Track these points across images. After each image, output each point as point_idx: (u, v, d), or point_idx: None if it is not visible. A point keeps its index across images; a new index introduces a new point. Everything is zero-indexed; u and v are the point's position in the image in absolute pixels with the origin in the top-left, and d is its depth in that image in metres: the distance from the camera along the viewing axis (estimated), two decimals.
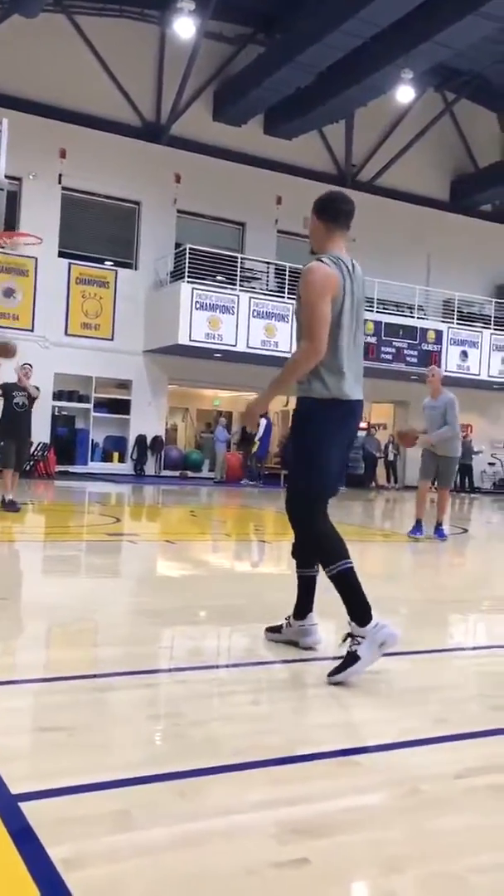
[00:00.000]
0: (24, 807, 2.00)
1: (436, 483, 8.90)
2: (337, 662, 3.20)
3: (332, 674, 3.15)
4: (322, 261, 3.37)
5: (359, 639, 3.15)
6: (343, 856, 1.88)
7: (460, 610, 5.30)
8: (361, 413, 3.58)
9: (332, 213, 3.48)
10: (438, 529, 8.74)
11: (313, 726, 2.80)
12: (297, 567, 3.69)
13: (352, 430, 3.54)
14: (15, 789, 2.09)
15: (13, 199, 18.00)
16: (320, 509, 3.43)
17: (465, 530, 11.41)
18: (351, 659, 3.14)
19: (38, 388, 10.28)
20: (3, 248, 18.05)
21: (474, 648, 4.32)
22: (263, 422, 20.08)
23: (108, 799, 2.11)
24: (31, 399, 10.00)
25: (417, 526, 8.80)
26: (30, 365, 10.31)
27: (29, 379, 10.09)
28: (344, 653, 3.19)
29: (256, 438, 19.90)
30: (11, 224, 17.90)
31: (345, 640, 3.22)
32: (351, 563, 3.27)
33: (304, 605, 3.66)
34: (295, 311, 3.52)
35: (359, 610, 3.19)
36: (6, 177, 9.66)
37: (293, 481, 3.58)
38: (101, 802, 2.09)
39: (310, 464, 3.43)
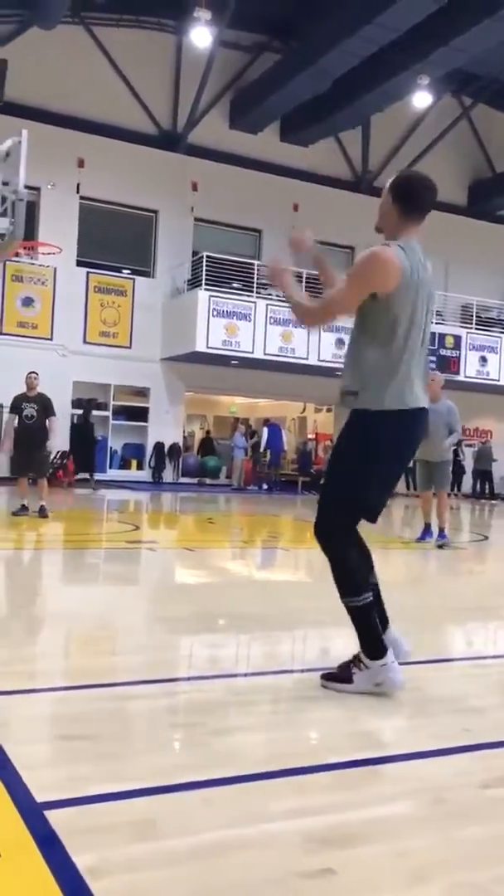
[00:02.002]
0: (50, 815, 2.00)
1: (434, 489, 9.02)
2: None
3: (325, 676, 3.18)
4: (389, 245, 3.02)
5: (362, 666, 3.11)
6: (368, 866, 1.87)
7: (481, 617, 5.26)
8: (425, 423, 3.23)
9: (412, 200, 3.10)
10: (441, 534, 8.86)
11: (336, 735, 2.79)
12: None
13: (414, 442, 3.22)
14: (40, 797, 2.10)
15: (32, 209, 18.12)
16: (347, 530, 3.18)
17: (486, 537, 11.33)
18: (345, 676, 3.13)
19: (50, 400, 10.20)
20: (25, 257, 18.19)
21: (495, 657, 4.29)
22: (265, 430, 20.26)
23: (132, 807, 2.11)
24: (44, 411, 10.02)
25: (426, 530, 8.99)
26: (35, 373, 10.36)
27: (35, 389, 10.14)
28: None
29: (262, 448, 20.04)
30: (30, 234, 18.02)
31: (351, 659, 3.17)
32: (369, 597, 3.12)
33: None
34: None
35: (369, 644, 3.11)
36: (25, 187, 9.70)
37: (324, 494, 3.25)
38: (126, 811, 2.09)
39: (348, 478, 3.14)
